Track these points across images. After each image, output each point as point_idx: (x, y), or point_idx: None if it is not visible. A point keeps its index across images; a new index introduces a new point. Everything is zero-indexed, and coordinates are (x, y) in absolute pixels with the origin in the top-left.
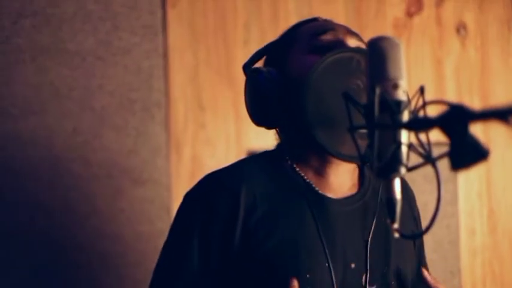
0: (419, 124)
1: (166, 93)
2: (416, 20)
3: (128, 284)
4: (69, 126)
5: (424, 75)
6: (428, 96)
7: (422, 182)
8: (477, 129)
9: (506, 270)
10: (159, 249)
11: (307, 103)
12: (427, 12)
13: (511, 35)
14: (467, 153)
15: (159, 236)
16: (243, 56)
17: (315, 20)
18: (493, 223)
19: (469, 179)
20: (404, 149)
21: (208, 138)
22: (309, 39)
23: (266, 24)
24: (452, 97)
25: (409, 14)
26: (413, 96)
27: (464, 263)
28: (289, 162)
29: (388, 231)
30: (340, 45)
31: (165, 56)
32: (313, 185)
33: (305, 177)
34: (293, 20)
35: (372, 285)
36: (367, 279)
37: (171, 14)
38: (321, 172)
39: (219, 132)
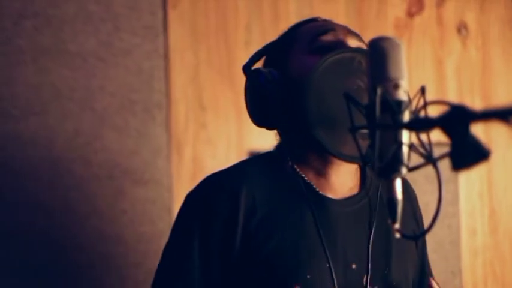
0: (420, 124)
1: (167, 94)
2: (417, 20)
3: (129, 284)
4: (70, 127)
5: (425, 75)
6: (429, 96)
7: (423, 182)
8: (478, 130)
9: (507, 270)
10: (161, 250)
11: (308, 103)
12: (428, 12)
13: None
14: (468, 154)
15: (160, 237)
16: (244, 56)
17: (314, 20)
18: (494, 223)
19: (470, 179)
20: (405, 149)
21: (209, 138)
22: (309, 39)
23: (267, 25)
24: (453, 97)
25: (410, 14)
26: (415, 97)
27: (465, 263)
28: (289, 163)
29: (390, 231)
30: (341, 45)
31: (166, 56)
32: (314, 186)
33: (305, 178)
34: (294, 21)
35: (373, 286)
36: (368, 280)
37: (172, 15)
38: (321, 173)
39: (220, 133)
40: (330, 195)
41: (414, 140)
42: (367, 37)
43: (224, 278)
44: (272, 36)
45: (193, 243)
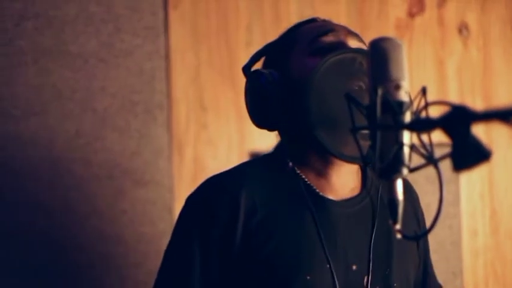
0: (421, 125)
1: (168, 94)
2: (418, 20)
3: (129, 284)
4: (71, 127)
5: (426, 75)
6: (430, 97)
7: (424, 183)
8: (479, 130)
9: (508, 271)
10: (161, 250)
11: (309, 104)
12: (429, 12)
13: None
14: (469, 154)
15: (160, 237)
16: (245, 56)
17: (314, 20)
18: (495, 224)
19: (471, 179)
20: (406, 149)
21: (210, 139)
22: (309, 40)
23: (268, 25)
24: (454, 98)
25: (411, 15)
26: (416, 97)
27: (466, 263)
28: (290, 164)
29: (390, 232)
30: (342, 46)
31: (167, 57)
32: (314, 187)
33: (306, 180)
34: (295, 21)
35: (374, 287)
36: (369, 281)
37: (173, 16)
38: (322, 174)
39: (221, 133)
40: (330, 196)
41: (415, 140)
42: (368, 38)
43: (224, 279)
44: (273, 36)
45: (194, 246)
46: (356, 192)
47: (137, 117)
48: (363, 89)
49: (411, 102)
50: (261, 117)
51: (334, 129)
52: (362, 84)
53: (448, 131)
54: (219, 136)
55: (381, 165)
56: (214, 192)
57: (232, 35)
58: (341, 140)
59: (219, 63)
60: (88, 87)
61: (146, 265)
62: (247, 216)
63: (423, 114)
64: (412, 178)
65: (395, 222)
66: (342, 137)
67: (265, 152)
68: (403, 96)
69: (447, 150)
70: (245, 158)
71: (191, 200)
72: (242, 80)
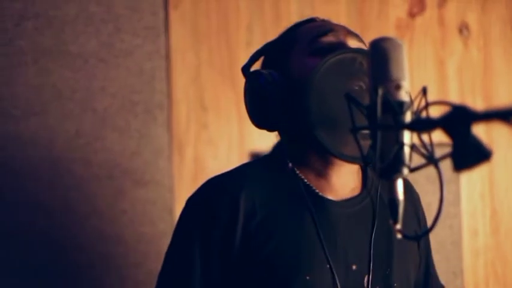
0: (421, 125)
1: (169, 94)
2: (419, 20)
3: (129, 284)
4: (71, 127)
5: (427, 75)
6: (431, 96)
7: (425, 183)
8: (480, 130)
9: (508, 270)
10: (161, 250)
11: (309, 104)
12: (429, 12)
13: None
14: (469, 154)
15: (160, 237)
16: (246, 56)
17: (313, 20)
18: (496, 224)
19: (472, 179)
20: (406, 149)
21: (211, 139)
22: (309, 41)
23: (268, 25)
24: (454, 98)
25: (412, 15)
26: (416, 97)
27: (466, 263)
28: (290, 165)
29: (391, 232)
30: (342, 46)
31: (167, 57)
32: (313, 187)
33: (305, 180)
34: (295, 21)
35: (374, 287)
36: (370, 281)
37: (173, 15)
38: (322, 174)
39: (221, 133)
40: (330, 197)
41: (416, 140)
42: (369, 38)
43: (225, 280)
44: (273, 36)
45: (195, 247)
46: (356, 192)
47: (137, 117)
48: (363, 89)
49: (412, 102)
50: (260, 117)
51: (334, 130)
52: (362, 84)
53: (448, 131)
54: (220, 136)
55: (382, 165)
56: (215, 193)
57: (233, 35)
58: (341, 140)
59: (220, 63)
60: (88, 87)
61: (146, 265)
62: (247, 219)
63: (424, 114)
64: (413, 178)
65: (395, 222)
66: (342, 137)
67: (266, 153)
68: (404, 96)
69: (447, 150)
70: (245, 158)
71: (192, 201)
72: (243, 80)
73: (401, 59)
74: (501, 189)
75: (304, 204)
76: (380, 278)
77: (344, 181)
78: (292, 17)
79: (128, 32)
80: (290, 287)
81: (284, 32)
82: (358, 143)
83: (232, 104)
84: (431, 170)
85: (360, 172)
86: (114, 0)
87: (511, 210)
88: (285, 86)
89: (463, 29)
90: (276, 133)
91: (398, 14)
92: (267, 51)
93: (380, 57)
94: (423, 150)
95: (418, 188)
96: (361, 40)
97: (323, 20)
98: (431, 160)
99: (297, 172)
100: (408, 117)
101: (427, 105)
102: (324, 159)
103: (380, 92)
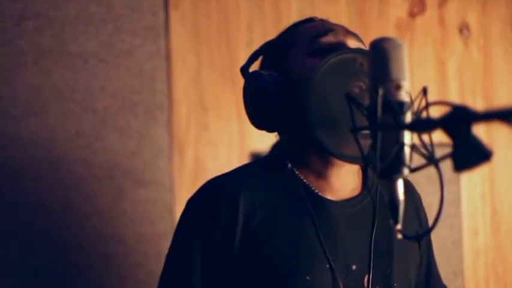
0: (422, 125)
1: (169, 95)
2: (419, 20)
3: (129, 284)
4: (71, 127)
5: (427, 75)
6: (431, 97)
7: (425, 183)
8: (480, 130)
9: (509, 270)
10: (161, 250)
11: (309, 104)
12: (429, 12)
13: None
14: (470, 154)
15: (161, 238)
16: (246, 57)
17: (311, 20)
18: (496, 224)
19: (472, 179)
20: (407, 150)
21: (211, 139)
22: (308, 41)
23: (269, 25)
24: (455, 98)
25: (412, 15)
26: (416, 97)
27: (467, 263)
28: (289, 165)
29: (391, 232)
30: (341, 46)
31: (168, 57)
32: (313, 188)
33: (304, 181)
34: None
35: (374, 287)
36: (370, 281)
37: (174, 16)
38: (322, 174)
39: (221, 134)
40: (329, 197)
41: (416, 140)
42: (369, 38)
43: (225, 280)
44: (274, 36)
45: (195, 247)
46: (356, 192)
47: (137, 117)
48: (363, 89)
49: (412, 102)
50: (260, 118)
51: (334, 130)
52: (362, 85)
53: (448, 131)
54: (220, 137)
55: (382, 165)
56: (215, 194)
57: (233, 35)
58: (341, 140)
59: (220, 63)
60: (88, 87)
61: (146, 265)
62: (246, 220)
63: (424, 114)
64: (413, 178)
65: (396, 222)
66: (342, 137)
67: (266, 153)
68: (404, 96)
69: (448, 150)
70: (246, 159)
71: (192, 202)
72: (243, 81)
73: (402, 59)
74: (501, 189)
75: (304, 204)
76: (380, 278)
77: (344, 181)
78: (293, 17)
79: (128, 32)
80: (290, 287)
81: (283, 32)
82: (358, 143)
83: (233, 105)
84: (431, 170)
85: (360, 172)
86: (114, 0)
87: (511, 210)
88: (285, 87)
89: (464, 29)
90: (276, 133)
91: (398, 14)
92: (266, 51)
93: (380, 57)
94: (423, 151)
95: (419, 189)
96: (360, 40)
97: (322, 20)
98: (432, 160)
99: (297, 173)
100: (408, 117)
101: (428, 105)
102: (324, 159)
103: (380, 92)
